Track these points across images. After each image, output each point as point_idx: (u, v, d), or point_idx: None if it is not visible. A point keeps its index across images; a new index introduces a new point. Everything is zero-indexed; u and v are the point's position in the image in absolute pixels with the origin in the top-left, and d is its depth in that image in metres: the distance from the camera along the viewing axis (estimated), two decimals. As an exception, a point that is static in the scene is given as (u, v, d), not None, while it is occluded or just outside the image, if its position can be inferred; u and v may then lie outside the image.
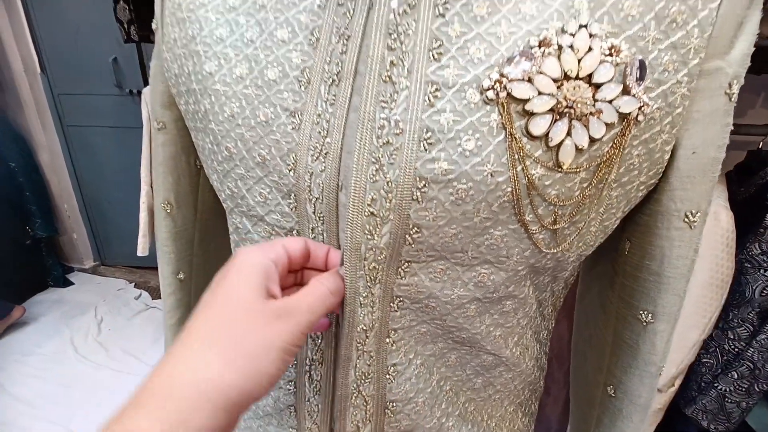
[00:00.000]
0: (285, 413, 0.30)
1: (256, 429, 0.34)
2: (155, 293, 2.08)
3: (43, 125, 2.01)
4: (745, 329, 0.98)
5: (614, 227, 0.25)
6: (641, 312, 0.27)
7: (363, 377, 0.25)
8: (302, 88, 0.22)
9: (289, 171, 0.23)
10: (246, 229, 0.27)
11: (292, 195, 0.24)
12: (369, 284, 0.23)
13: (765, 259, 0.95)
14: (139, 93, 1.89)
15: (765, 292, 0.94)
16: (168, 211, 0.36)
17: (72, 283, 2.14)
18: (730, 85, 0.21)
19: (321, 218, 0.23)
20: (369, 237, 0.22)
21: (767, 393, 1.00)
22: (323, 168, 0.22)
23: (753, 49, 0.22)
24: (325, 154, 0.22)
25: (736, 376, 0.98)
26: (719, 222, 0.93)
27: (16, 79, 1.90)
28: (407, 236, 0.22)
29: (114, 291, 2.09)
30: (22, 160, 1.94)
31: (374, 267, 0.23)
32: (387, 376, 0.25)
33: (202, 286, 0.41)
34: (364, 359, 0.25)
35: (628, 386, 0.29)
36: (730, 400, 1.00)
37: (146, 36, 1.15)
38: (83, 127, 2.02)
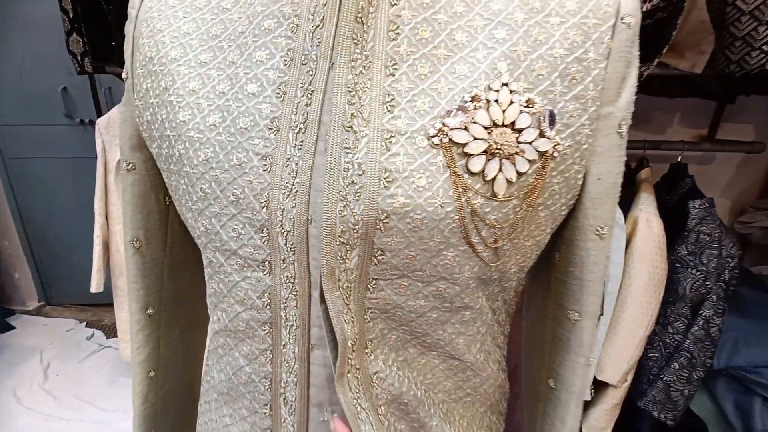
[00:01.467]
0: None
1: None
2: (110, 331, 1.94)
3: (-19, 158, 1.87)
4: (681, 323, 1.09)
5: (545, 242, 0.30)
6: (569, 311, 0.32)
7: (357, 391, 0.27)
8: (272, 134, 0.25)
9: (262, 208, 0.25)
10: (219, 263, 0.29)
11: (265, 229, 0.26)
12: (346, 301, 0.26)
13: (692, 258, 1.07)
14: (92, 122, 1.83)
15: (694, 287, 1.06)
16: (137, 247, 0.37)
17: (13, 327, 1.95)
18: (620, 125, 0.27)
19: (292, 249, 0.26)
20: (341, 261, 0.25)
21: (704, 381, 1.11)
22: (294, 204, 0.25)
23: (635, 98, 0.28)
24: (295, 192, 0.25)
25: (677, 367, 1.09)
26: (651, 229, 1.04)
27: (-50, 110, 1.78)
28: (373, 258, 0.25)
29: (62, 333, 1.94)
30: (-45, 196, 1.79)
31: (347, 286, 0.26)
32: (372, 384, 0.28)
33: (173, 319, 0.42)
34: (353, 373, 0.27)
35: (564, 377, 0.33)
36: (674, 389, 1.10)
37: (101, 68, 1.14)
38: (28, 159, 1.90)
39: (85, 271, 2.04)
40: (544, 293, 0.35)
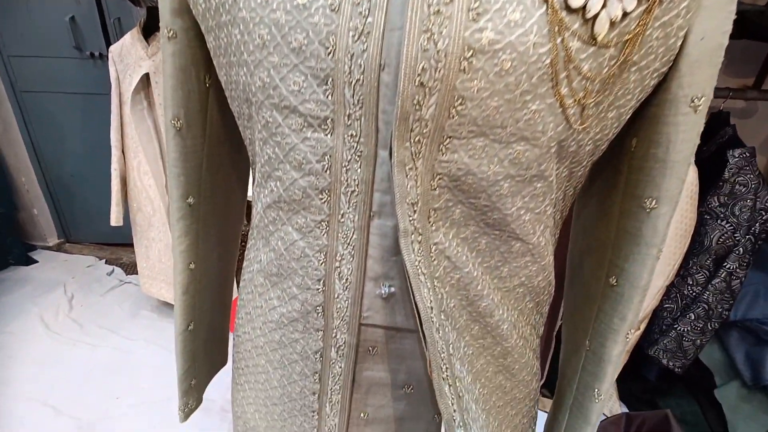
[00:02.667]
0: (312, 315, 0.31)
1: (279, 339, 0.34)
2: (129, 269, 2.00)
3: (-6, 91, 1.84)
4: (702, 275, 1.08)
5: (626, 119, 0.28)
6: (645, 200, 0.29)
7: (420, 255, 0.26)
8: None
9: (328, 55, 0.23)
10: (276, 124, 0.26)
11: (329, 80, 0.23)
12: (413, 157, 0.24)
13: (722, 210, 1.04)
14: (101, 56, 1.76)
15: (721, 240, 1.04)
16: (178, 128, 0.35)
17: (35, 261, 2.02)
18: None
19: (360, 102, 0.24)
20: (417, 108, 0.22)
21: (717, 332, 1.12)
22: (364, 48, 0.22)
23: None
24: (367, 33, 0.22)
25: (693, 317, 1.09)
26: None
27: (-44, 37, 1.72)
28: (452, 109, 0.23)
29: (83, 268, 2.00)
30: (-30, 129, 1.78)
31: (419, 140, 0.24)
32: (431, 254, 0.27)
33: (210, 214, 0.41)
34: (416, 237, 0.26)
35: (629, 272, 0.32)
36: (687, 339, 1.11)
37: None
38: (39, 93, 1.87)
39: (101, 210, 2.06)
40: (609, 191, 0.33)
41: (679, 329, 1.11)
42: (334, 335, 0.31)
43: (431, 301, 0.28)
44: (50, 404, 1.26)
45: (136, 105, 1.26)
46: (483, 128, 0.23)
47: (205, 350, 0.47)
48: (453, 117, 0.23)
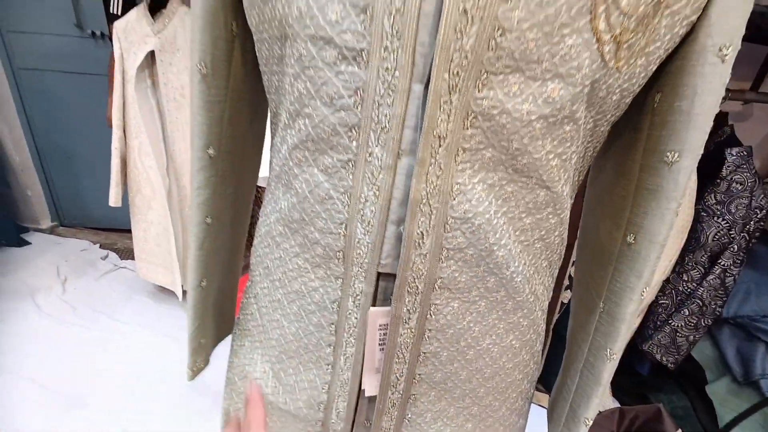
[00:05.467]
0: (333, 261, 0.31)
1: (298, 289, 0.34)
2: (124, 254, 1.98)
3: (-10, 67, 1.81)
4: (697, 271, 1.10)
5: (653, 69, 0.28)
6: (667, 153, 0.29)
7: (432, 187, 0.27)
8: None
9: None
10: (310, 56, 0.26)
11: (368, 9, 0.23)
12: (450, 90, 0.24)
13: (719, 207, 1.06)
14: (103, 35, 1.74)
15: (716, 237, 1.06)
16: (204, 73, 0.34)
17: (28, 243, 1.98)
18: None
19: (398, 33, 0.23)
20: (458, 37, 0.23)
21: (710, 328, 1.14)
22: None
23: None
24: None
25: (687, 313, 1.11)
26: (684, 173, 1.02)
27: (-46, 9, 1.69)
28: (491, 40, 0.23)
29: (77, 252, 1.97)
30: (-35, 104, 1.75)
31: (457, 72, 0.24)
32: (451, 193, 0.27)
33: (228, 171, 0.41)
34: (435, 169, 0.26)
35: (648, 228, 0.32)
36: (680, 335, 1.13)
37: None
38: (37, 71, 1.84)
39: (97, 194, 2.04)
40: (627, 149, 0.34)
41: (673, 324, 1.13)
42: (352, 283, 0.31)
43: (426, 236, 0.28)
44: (38, 380, 1.25)
45: (140, 83, 1.25)
46: (519, 63, 0.24)
47: (214, 311, 0.47)
48: (492, 49, 0.23)
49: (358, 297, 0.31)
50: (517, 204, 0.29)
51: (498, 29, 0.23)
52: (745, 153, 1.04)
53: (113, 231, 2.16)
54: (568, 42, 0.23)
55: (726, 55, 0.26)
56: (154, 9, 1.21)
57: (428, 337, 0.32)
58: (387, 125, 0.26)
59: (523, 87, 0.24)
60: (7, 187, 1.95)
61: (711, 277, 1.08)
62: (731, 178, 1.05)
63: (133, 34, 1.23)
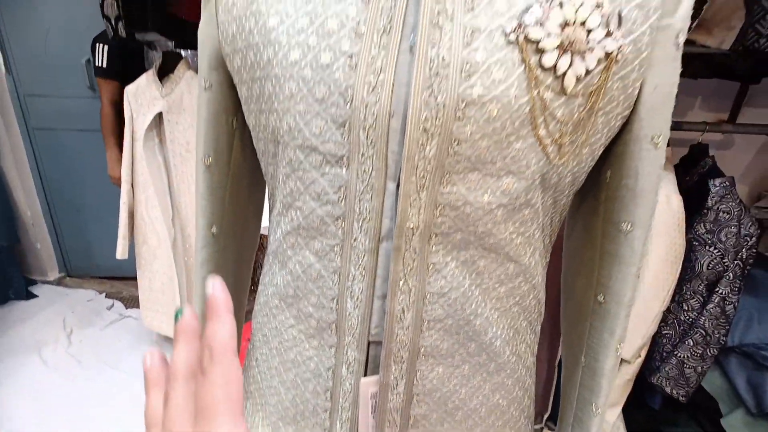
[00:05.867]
0: (326, 332, 0.34)
1: (294, 358, 0.36)
2: (129, 303, 2.00)
3: (7, 127, 1.91)
4: (696, 300, 1.11)
5: (598, 155, 0.32)
6: (622, 224, 0.33)
7: (408, 269, 0.30)
8: (357, 36, 0.27)
9: (346, 104, 0.27)
10: (299, 161, 0.31)
11: (347, 125, 0.28)
12: (418, 190, 0.28)
13: (710, 237, 1.08)
14: (114, 95, 1.86)
15: (710, 265, 1.08)
16: (207, 164, 0.39)
17: (35, 296, 2.01)
18: (677, 36, 0.29)
19: (372, 143, 0.28)
20: (421, 149, 0.27)
21: (717, 358, 1.13)
22: (377, 99, 0.27)
23: (692, 10, 0.29)
24: (379, 88, 0.27)
25: (691, 344, 1.10)
26: (671, 205, 1.06)
27: (-23, 79, 1.82)
28: (449, 149, 0.27)
29: (83, 302, 1.99)
30: (-17, 165, 1.84)
31: (423, 175, 0.28)
32: (426, 271, 0.30)
33: (229, 244, 0.45)
34: (410, 253, 0.30)
35: (614, 289, 0.35)
36: (688, 366, 1.12)
37: (132, 33, 1.16)
38: (51, 130, 1.94)
39: (104, 245, 2.09)
40: (592, 216, 0.37)
41: (680, 356, 1.12)
42: (345, 352, 0.34)
43: (407, 311, 0.31)
44: (44, 443, 1.23)
45: (148, 141, 1.33)
46: (476, 164, 0.28)
47: None
48: (451, 156, 0.27)
49: (352, 364, 0.34)
50: (489, 276, 0.32)
51: (454, 140, 0.27)
52: (727, 183, 1.08)
53: (118, 279, 2.19)
54: (515, 146, 0.27)
55: (658, 143, 0.31)
56: (161, 74, 1.31)
57: (417, 401, 0.34)
58: (367, 216, 0.30)
59: (481, 182, 0.28)
60: (18, 241, 2.00)
61: (711, 305, 1.09)
62: (718, 208, 1.08)
63: (142, 97, 1.32)
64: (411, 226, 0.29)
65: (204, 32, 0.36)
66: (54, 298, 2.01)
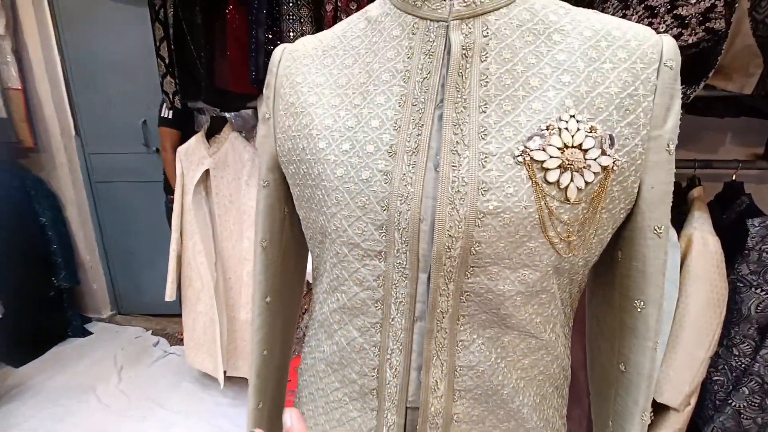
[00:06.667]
0: (368, 396, 0.38)
1: (339, 417, 0.40)
2: (172, 340, 2.11)
3: (74, 183, 2.15)
4: (748, 345, 1.05)
5: (607, 240, 0.35)
6: (635, 301, 0.36)
7: (440, 346, 0.34)
8: (391, 157, 0.33)
9: (383, 210, 0.33)
10: (344, 254, 0.36)
11: (384, 227, 0.33)
12: (446, 281, 0.32)
13: (755, 278, 1.04)
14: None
15: (759, 308, 1.03)
16: (264, 246, 0.46)
17: (90, 333, 2.17)
18: (668, 144, 0.33)
19: (406, 241, 0.33)
20: (447, 250, 0.31)
21: (779, 408, 1.05)
22: (408, 208, 0.32)
23: (680, 122, 0.34)
24: (410, 199, 0.32)
25: (747, 392, 1.04)
26: (707, 247, 1.03)
27: (53, 141, 2.08)
28: (472, 249, 0.31)
29: (132, 339, 2.13)
30: (52, 216, 2.06)
31: (450, 270, 0.32)
32: (456, 347, 0.34)
33: (280, 309, 0.51)
34: (441, 333, 0.34)
35: (633, 361, 0.37)
36: (745, 417, 1.05)
37: (185, 104, 1.32)
38: (109, 183, 2.17)
39: (150, 284, 2.26)
40: (609, 288, 0.40)
41: (735, 405, 1.05)
42: (385, 416, 0.37)
43: (440, 383, 0.34)
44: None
45: (196, 195, 1.46)
46: (495, 260, 0.32)
47: (268, 426, 0.54)
48: (473, 254, 0.32)
49: (392, 427, 0.37)
50: (513, 350, 0.35)
51: (475, 243, 0.31)
52: (768, 221, 1.04)
53: (163, 316, 2.33)
54: (528, 245, 0.32)
55: (660, 232, 0.34)
56: (209, 135, 1.46)
57: None
58: (403, 300, 0.35)
59: (500, 274, 0.33)
60: (77, 283, 2.19)
61: (765, 351, 1.03)
62: (760, 248, 1.04)
63: (192, 156, 1.47)
64: (441, 311, 0.33)
65: (263, 142, 0.43)
66: (106, 335, 2.17)
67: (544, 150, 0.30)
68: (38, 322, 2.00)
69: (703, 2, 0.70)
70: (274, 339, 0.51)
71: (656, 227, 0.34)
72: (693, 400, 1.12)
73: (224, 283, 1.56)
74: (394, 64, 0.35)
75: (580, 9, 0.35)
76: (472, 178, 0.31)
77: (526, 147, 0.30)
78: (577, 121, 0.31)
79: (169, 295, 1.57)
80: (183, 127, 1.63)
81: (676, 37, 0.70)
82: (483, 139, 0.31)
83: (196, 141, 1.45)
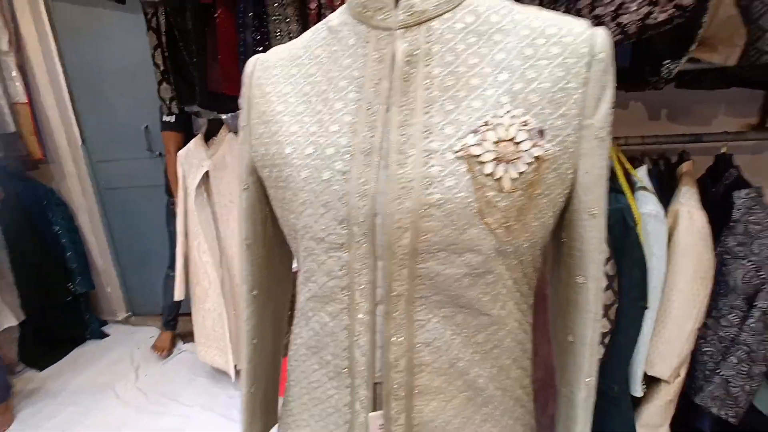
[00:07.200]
0: (342, 375, 0.42)
1: (319, 396, 0.44)
2: (185, 338, 2.19)
3: (83, 191, 2.23)
4: (735, 315, 1.08)
5: (550, 224, 0.39)
6: (577, 277, 0.40)
7: (398, 326, 0.38)
8: (348, 158, 0.36)
9: (343, 207, 0.36)
10: (312, 248, 0.40)
11: (344, 222, 0.37)
12: (399, 268, 0.36)
13: (741, 249, 1.06)
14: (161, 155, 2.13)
15: (746, 278, 1.05)
16: (248, 244, 0.50)
17: (107, 335, 2.26)
18: (598, 132, 0.35)
19: (364, 234, 0.36)
20: (398, 240, 0.35)
21: (767, 375, 1.08)
22: (364, 204, 0.35)
23: (612, 110, 0.37)
24: (366, 195, 0.35)
25: (735, 361, 1.07)
26: (693, 221, 1.06)
27: (60, 151, 2.15)
28: (419, 238, 0.35)
29: (147, 339, 2.21)
30: (65, 224, 2.15)
31: (402, 257, 0.36)
32: (413, 327, 0.38)
33: (267, 300, 0.56)
34: (399, 314, 0.37)
35: (577, 331, 0.41)
36: (734, 385, 1.08)
37: (182, 109, 1.37)
38: (117, 189, 2.24)
39: (162, 286, 2.34)
40: (559, 266, 0.44)
41: (723, 374, 1.08)
42: (357, 392, 0.41)
43: (399, 358, 0.38)
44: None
45: (198, 196, 1.52)
46: (442, 246, 0.35)
47: (261, 409, 0.59)
48: (421, 242, 0.35)
49: (363, 401, 0.41)
50: (467, 327, 0.39)
51: (422, 232, 0.35)
52: (754, 194, 1.06)
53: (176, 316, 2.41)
54: (470, 232, 0.35)
55: (595, 213, 0.38)
56: (207, 136, 1.51)
57: (416, 431, 0.41)
58: (365, 286, 0.39)
59: (448, 259, 0.36)
60: (92, 288, 2.28)
61: (751, 321, 1.05)
62: (746, 220, 1.06)
63: (192, 159, 1.52)
64: (396, 294, 0.37)
65: (241, 148, 0.47)
66: (122, 336, 2.26)
67: (480, 145, 0.34)
68: (58, 327, 2.09)
69: (670, -21, 0.72)
70: (264, 329, 0.55)
71: (590, 209, 0.38)
72: (683, 372, 1.15)
73: (230, 280, 1.62)
74: (350, 71, 0.39)
75: (522, 8, 0.38)
76: (416, 174, 0.34)
77: (464, 143, 0.34)
78: (512, 117, 0.34)
79: (179, 294, 1.63)
80: (186, 129, 1.68)
81: (647, 16, 0.72)
82: (427, 138, 0.35)
83: (194, 144, 1.51)
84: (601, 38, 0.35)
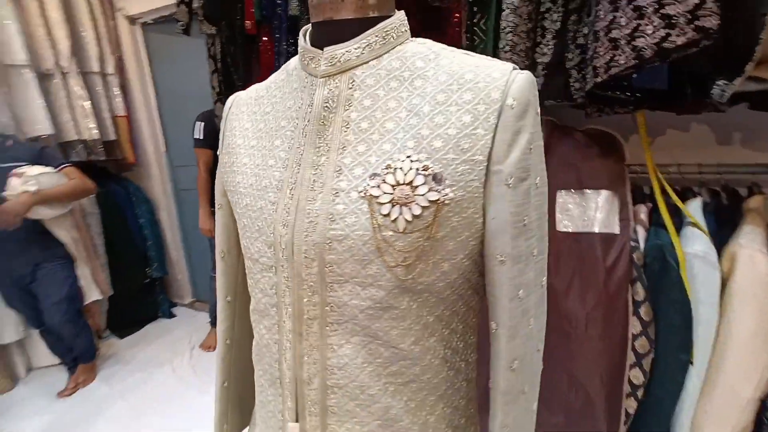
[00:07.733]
0: (276, 384, 0.45)
1: (264, 399, 0.47)
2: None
3: (164, 191, 2.61)
4: (811, 387, 0.88)
5: (464, 265, 0.38)
6: (491, 323, 0.40)
7: (311, 347, 0.40)
8: (278, 190, 0.40)
9: (271, 233, 0.40)
10: (250, 267, 0.44)
11: (272, 246, 0.40)
12: (310, 294, 0.38)
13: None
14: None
15: (827, 344, 0.85)
16: (222, 257, 0.56)
17: (175, 316, 2.61)
18: (507, 179, 0.35)
19: (286, 259, 0.39)
20: (306, 268, 0.38)
21: None
22: (287, 232, 0.39)
23: (525, 156, 0.35)
24: (288, 225, 0.38)
25: (808, 443, 0.86)
26: (756, 266, 0.89)
27: (148, 157, 2.55)
28: (326, 268, 0.37)
29: (204, 323, 2.50)
30: (148, 218, 2.53)
31: (312, 285, 0.38)
32: (326, 349, 0.39)
33: (243, 308, 0.61)
34: (312, 336, 0.40)
35: (493, 377, 0.41)
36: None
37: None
38: (190, 191, 2.57)
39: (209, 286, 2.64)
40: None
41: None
42: (285, 401, 0.44)
43: (313, 377, 0.40)
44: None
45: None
46: (347, 278, 0.37)
47: (235, 404, 0.64)
48: (328, 273, 0.37)
49: (289, 411, 0.44)
50: (380, 356, 0.39)
51: (328, 263, 0.37)
52: None
53: (231, 306, 2.67)
54: (371, 267, 0.36)
55: (503, 260, 0.37)
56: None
57: None
58: (290, 305, 0.41)
59: (354, 290, 0.38)
60: (166, 274, 2.65)
61: (835, 396, 0.85)
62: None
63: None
64: (309, 318, 0.40)
65: (217, 173, 0.53)
66: (186, 318, 2.58)
67: (378, 187, 0.35)
68: (136, 304, 2.47)
69: (692, -1, 0.63)
70: (234, 331, 0.61)
71: (499, 255, 0.37)
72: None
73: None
74: (291, 112, 0.42)
75: (450, 52, 0.39)
76: (323, 211, 0.37)
77: (367, 185, 0.35)
78: (411, 161, 0.35)
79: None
80: (214, 145, 1.86)
81: (663, 39, 0.64)
82: (337, 177, 0.37)
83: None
84: (517, 84, 0.35)
